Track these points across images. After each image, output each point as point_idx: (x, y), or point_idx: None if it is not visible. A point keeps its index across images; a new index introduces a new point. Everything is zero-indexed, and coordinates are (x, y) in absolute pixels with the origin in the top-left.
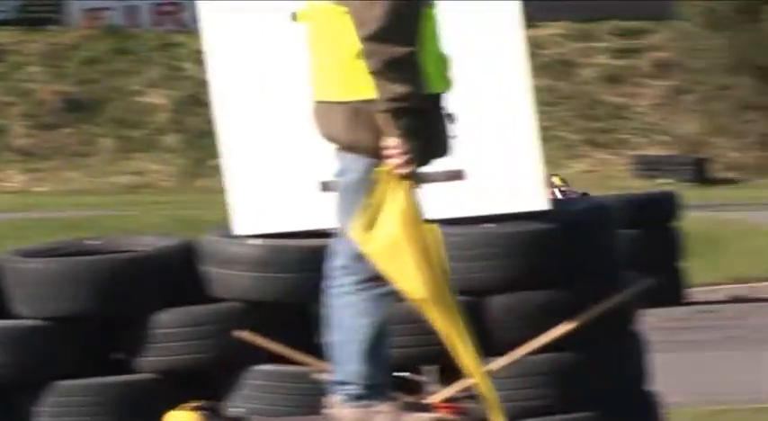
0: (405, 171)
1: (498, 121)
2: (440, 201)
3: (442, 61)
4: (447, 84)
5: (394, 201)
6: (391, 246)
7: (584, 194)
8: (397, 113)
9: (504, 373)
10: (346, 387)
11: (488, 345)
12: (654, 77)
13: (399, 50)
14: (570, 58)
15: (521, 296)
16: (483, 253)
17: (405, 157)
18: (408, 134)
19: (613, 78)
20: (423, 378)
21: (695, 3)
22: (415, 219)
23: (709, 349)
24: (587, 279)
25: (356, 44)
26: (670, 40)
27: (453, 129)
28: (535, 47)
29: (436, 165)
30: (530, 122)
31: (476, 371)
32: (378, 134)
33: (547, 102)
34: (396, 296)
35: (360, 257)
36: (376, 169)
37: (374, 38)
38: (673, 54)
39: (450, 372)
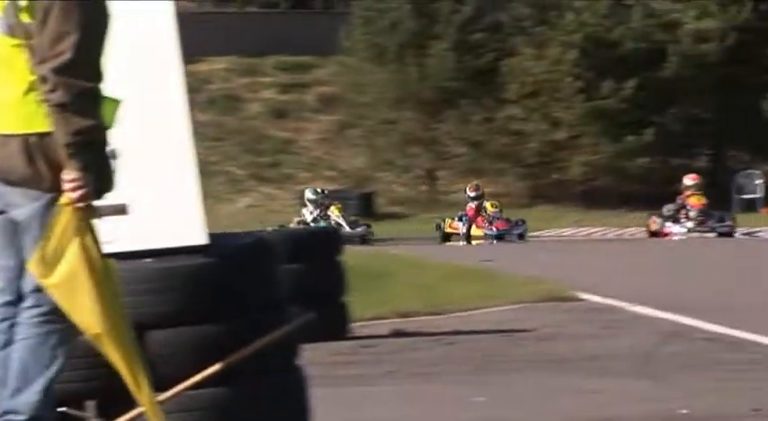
0: (83, 204)
1: (158, 156)
2: (104, 235)
3: (112, 97)
4: (114, 119)
5: (72, 234)
6: (69, 280)
7: (281, 226)
8: (81, 147)
9: (166, 408)
10: (11, 416)
11: (153, 380)
12: (319, 112)
13: (87, 84)
14: (237, 93)
15: (180, 331)
16: (142, 288)
17: (84, 191)
18: (88, 167)
19: (279, 113)
20: (83, 413)
21: (360, 38)
22: (93, 253)
23: (371, 384)
24: (248, 313)
25: (31, 76)
26: (335, 74)
27: (116, 165)
28: (201, 82)
29: (102, 200)
30: (189, 157)
31: (149, 406)
32: (56, 167)
33: (213, 136)
34: (75, 330)
35: (41, 290)
36: (54, 203)
37: (62, 71)
38: (338, 88)
39: (112, 407)
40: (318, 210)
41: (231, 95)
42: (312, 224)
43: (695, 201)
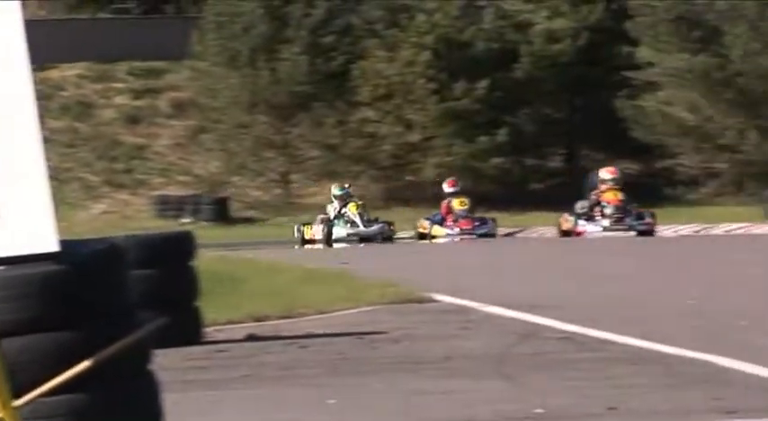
0: None
1: (7, 165)
2: None
3: None
4: None
5: None
6: None
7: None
8: None
9: (22, 415)
10: None
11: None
12: (173, 117)
13: None
14: (90, 100)
15: (33, 338)
16: None
17: None
18: None
19: (133, 119)
20: None
21: (212, 42)
22: None
23: (224, 388)
24: (99, 319)
25: None
26: (188, 79)
27: None
28: (54, 89)
29: None
30: (39, 164)
31: (6, 413)
32: None
33: (67, 143)
34: None
35: None
36: None
37: None
38: (191, 93)
39: None
40: (341, 207)
41: (84, 102)
42: (334, 221)
43: (611, 197)
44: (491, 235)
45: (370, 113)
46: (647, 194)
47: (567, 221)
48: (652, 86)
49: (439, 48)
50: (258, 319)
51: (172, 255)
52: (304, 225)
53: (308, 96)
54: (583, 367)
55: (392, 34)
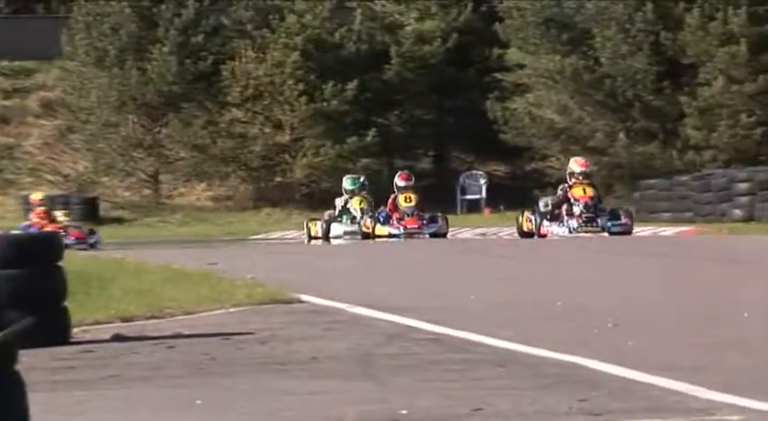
0: None
1: None
2: None
3: None
4: None
5: None
6: None
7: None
8: None
9: None
10: None
11: None
12: (42, 117)
13: None
14: None
15: None
16: None
17: None
18: None
19: (2, 118)
20: None
21: (81, 42)
22: None
23: (91, 389)
24: None
25: None
26: (57, 79)
27: None
28: None
29: None
30: None
31: None
32: None
33: None
34: None
35: None
36: None
37: None
38: (60, 93)
39: None
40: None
41: None
42: (339, 216)
43: (580, 194)
44: (441, 234)
45: (239, 114)
46: (518, 196)
47: (530, 221)
48: (521, 88)
49: (308, 49)
50: (125, 320)
51: (39, 254)
52: (310, 221)
53: (178, 96)
54: (450, 368)
55: (262, 35)
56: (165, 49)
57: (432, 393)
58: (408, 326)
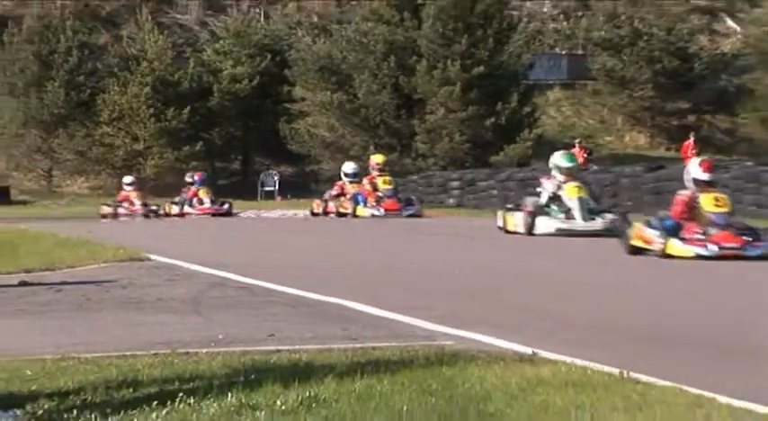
0: None
1: None
2: None
3: None
4: None
5: None
6: None
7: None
8: None
9: None
10: None
11: None
12: None
13: None
14: None
15: None
16: None
17: None
18: None
19: None
20: None
21: None
22: None
23: (2, 319)
24: None
25: None
26: None
27: None
28: None
29: None
30: None
31: None
32: None
33: None
34: None
35: None
36: None
37: None
38: None
39: None
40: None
41: None
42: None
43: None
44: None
45: (108, 129)
46: (302, 190)
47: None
48: (303, 114)
49: (156, 85)
50: (28, 271)
51: None
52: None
53: (65, 117)
54: (254, 307)
55: (124, 75)
56: (57, 84)
57: (241, 324)
58: (226, 278)
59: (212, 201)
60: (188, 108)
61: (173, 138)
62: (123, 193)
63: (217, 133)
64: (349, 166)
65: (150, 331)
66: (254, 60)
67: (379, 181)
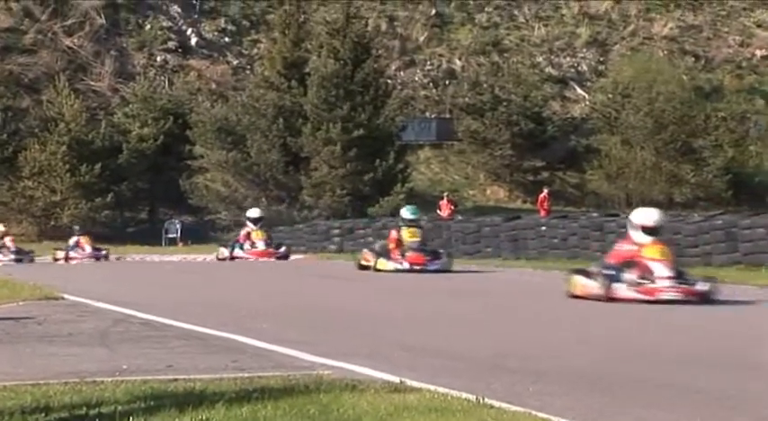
0: None
1: None
2: None
3: None
4: None
5: None
6: None
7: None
8: None
9: None
10: None
11: None
12: None
13: None
14: None
15: None
16: None
17: None
18: None
19: None
20: None
21: None
22: None
23: None
24: None
25: None
26: None
27: None
28: None
29: None
30: None
31: None
32: None
33: None
34: None
35: None
36: None
37: None
38: None
39: None
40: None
41: None
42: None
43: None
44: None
45: (29, 183)
46: (202, 237)
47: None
48: (203, 170)
49: (72, 144)
50: None
51: None
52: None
53: None
54: (153, 340)
55: (44, 135)
56: None
57: (142, 356)
58: (128, 314)
59: (93, 248)
60: (100, 164)
61: (86, 190)
62: (75, 239)
63: (126, 186)
64: (254, 212)
65: (62, 362)
66: (159, 122)
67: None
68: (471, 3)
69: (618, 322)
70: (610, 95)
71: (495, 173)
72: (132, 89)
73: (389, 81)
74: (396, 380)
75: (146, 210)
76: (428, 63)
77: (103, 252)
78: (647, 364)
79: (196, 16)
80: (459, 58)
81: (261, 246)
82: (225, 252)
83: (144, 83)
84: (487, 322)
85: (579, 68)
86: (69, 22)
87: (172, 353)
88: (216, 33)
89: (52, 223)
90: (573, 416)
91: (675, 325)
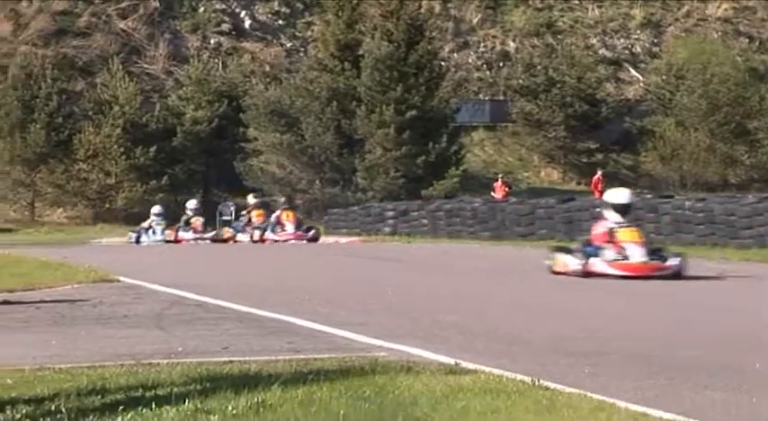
0: None
1: None
2: None
3: None
4: None
5: None
6: None
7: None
8: None
9: None
10: None
11: None
12: None
13: None
14: None
15: None
16: None
17: None
18: None
19: None
20: None
21: None
22: None
23: None
24: None
25: None
26: None
27: None
28: None
29: None
30: None
31: None
32: None
33: None
34: None
35: None
36: None
37: None
38: None
39: None
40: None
41: None
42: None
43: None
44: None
45: (84, 166)
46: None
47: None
48: (257, 153)
49: (126, 126)
50: (10, 291)
51: None
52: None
53: (46, 155)
54: (208, 322)
55: (98, 118)
56: (38, 126)
57: (197, 338)
58: (183, 296)
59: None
60: (154, 147)
61: (141, 173)
62: (276, 214)
63: (180, 169)
64: (191, 203)
65: (117, 344)
66: (212, 105)
67: (284, 215)
68: None
69: (677, 307)
70: (664, 77)
71: (549, 155)
72: (186, 72)
73: (443, 63)
74: (451, 361)
75: (200, 192)
76: (482, 45)
77: (312, 232)
78: (706, 349)
79: None
80: (513, 40)
81: (290, 228)
82: (256, 234)
83: (198, 65)
84: (544, 305)
85: (633, 50)
86: (123, 4)
87: (227, 334)
88: (269, 15)
89: (107, 206)
90: (628, 398)
91: (735, 309)
